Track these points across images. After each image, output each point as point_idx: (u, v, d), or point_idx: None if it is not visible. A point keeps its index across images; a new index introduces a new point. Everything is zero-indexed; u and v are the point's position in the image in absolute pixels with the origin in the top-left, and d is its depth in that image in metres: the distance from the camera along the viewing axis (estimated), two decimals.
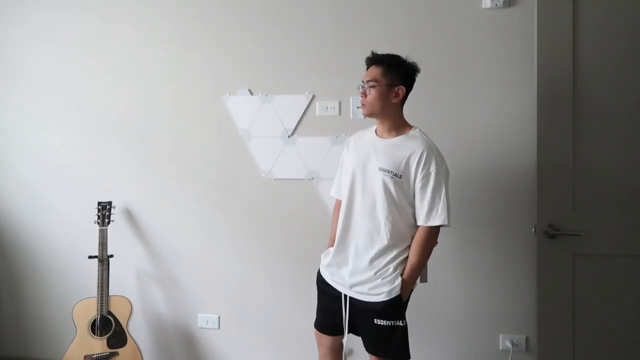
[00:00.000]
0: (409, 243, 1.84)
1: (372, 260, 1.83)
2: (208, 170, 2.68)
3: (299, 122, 2.56)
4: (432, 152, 1.81)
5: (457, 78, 2.39)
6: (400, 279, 1.80)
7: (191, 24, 2.66)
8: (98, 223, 2.61)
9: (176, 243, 2.73)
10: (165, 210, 2.73)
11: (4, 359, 2.90)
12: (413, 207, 1.83)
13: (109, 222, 2.63)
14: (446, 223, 1.78)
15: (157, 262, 2.76)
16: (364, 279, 1.84)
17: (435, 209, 1.78)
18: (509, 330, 2.40)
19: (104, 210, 2.62)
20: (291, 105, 2.56)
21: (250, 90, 2.61)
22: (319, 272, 2.03)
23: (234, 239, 2.67)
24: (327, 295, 1.98)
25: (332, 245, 2.00)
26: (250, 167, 2.63)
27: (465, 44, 2.38)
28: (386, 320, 1.80)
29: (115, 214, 2.70)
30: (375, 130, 1.96)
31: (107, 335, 2.52)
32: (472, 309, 2.43)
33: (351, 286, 1.87)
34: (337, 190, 2.11)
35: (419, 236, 1.82)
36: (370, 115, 1.90)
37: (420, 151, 1.79)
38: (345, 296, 1.90)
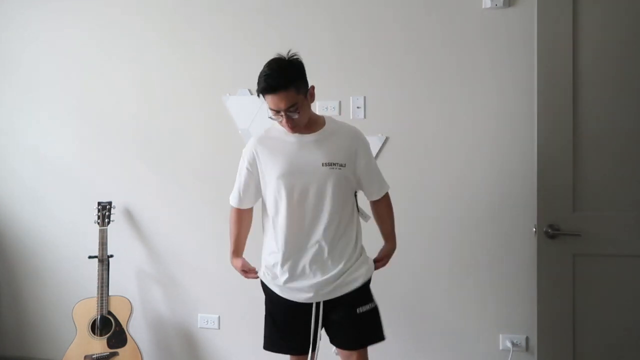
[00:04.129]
0: (354, 228, 1.87)
1: (339, 254, 1.79)
2: (208, 170, 2.67)
3: None
4: (362, 134, 1.90)
5: (457, 78, 2.39)
6: (370, 259, 1.90)
7: (191, 23, 2.66)
8: (98, 223, 2.61)
9: (176, 243, 2.73)
10: (165, 210, 2.73)
11: (4, 359, 2.90)
12: (354, 191, 1.90)
13: (109, 222, 2.63)
14: (388, 185, 1.99)
15: (157, 262, 2.76)
16: (335, 273, 1.77)
17: (381, 181, 1.96)
18: (509, 330, 2.40)
19: (104, 210, 2.62)
20: None
21: (250, 90, 2.61)
22: (267, 287, 1.90)
23: None
24: (286, 308, 1.83)
25: (238, 253, 2.01)
26: None
27: (465, 44, 2.38)
28: (365, 305, 1.82)
29: (115, 214, 2.70)
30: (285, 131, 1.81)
31: (107, 335, 2.52)
32: (472, 308, 2.43)
33: (323, 287, 1.77)
34: (240, 199, 1.93)
35: (383, 205, 1.98)
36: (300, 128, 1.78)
37: (359, 137, 1.88)
38: (317, 304, 1.79)
